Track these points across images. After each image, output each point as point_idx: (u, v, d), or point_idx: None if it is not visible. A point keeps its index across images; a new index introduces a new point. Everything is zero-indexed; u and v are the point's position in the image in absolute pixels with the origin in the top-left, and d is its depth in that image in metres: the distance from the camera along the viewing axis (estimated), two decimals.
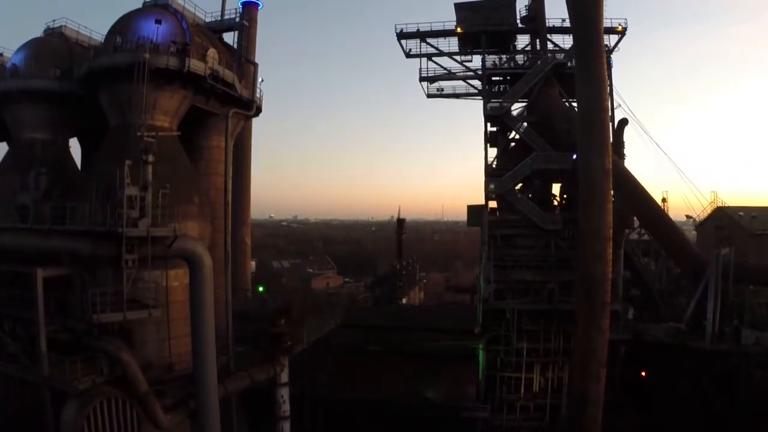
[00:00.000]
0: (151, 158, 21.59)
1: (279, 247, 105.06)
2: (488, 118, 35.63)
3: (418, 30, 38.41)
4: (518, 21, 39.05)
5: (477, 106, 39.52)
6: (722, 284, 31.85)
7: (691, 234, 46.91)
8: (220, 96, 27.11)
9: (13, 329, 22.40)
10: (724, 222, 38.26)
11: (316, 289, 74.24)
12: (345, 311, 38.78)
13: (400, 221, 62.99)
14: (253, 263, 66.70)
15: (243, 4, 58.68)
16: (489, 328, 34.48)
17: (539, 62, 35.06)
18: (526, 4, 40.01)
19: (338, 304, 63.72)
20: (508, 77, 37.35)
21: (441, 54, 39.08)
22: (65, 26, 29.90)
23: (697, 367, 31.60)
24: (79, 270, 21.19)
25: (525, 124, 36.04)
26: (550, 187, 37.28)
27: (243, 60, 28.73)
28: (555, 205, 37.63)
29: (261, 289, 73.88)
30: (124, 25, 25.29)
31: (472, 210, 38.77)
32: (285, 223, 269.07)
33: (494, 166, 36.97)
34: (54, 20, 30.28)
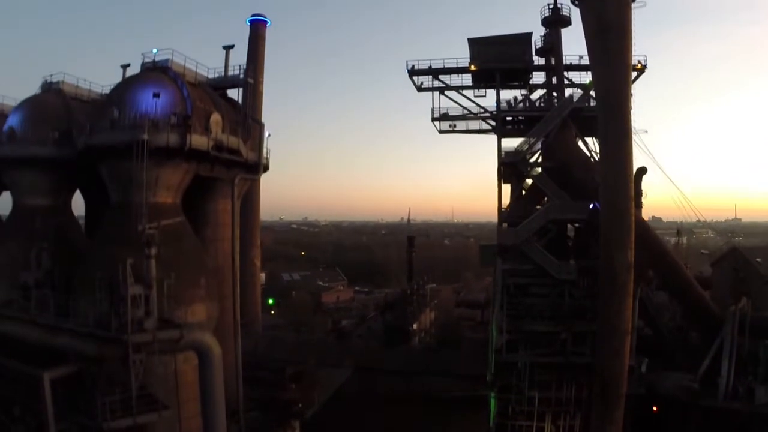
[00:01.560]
0: (153, 251, 21.13)
1: (289, 255, 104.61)
2: (503, 164, 34.52)
3: (430, 67, 36.94)
4: (534, 52, 37.35)
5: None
6: (738, 339, 31.00)
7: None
8: (225, 161, 26.27)
9: (22, 415, 22.33)
10: (741, 264, 37.19)
11: (326, 302, 74.05)
12: (356, 355, 38.39)
13: (411, 239, 62.06)
14: (263, 275, 66.54)
15: (251, 21, 57.23)
16: (500, 376, 33.97)
17: (556, 105, 33.65)
18: (542, 35, 38.28)
19: (347, 317, 63.77)
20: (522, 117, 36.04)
21: (453, 88, 37.63)
22: (63, 81, 29.02)
23: (709, 423, 31.04)
24: (86, 365, 20.96)
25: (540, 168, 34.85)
26: (566, 232, 36.24)
27: (249, 120, 27.73)
28: (570, 246, 36.62)
29: (270, 301, 74.15)
30: (121, 95, 24.38)
31: (485, 249, 38.07)
32: (295, 226, 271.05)
33: (508, 208, 35.97)
34: (51, 75, 29.41)
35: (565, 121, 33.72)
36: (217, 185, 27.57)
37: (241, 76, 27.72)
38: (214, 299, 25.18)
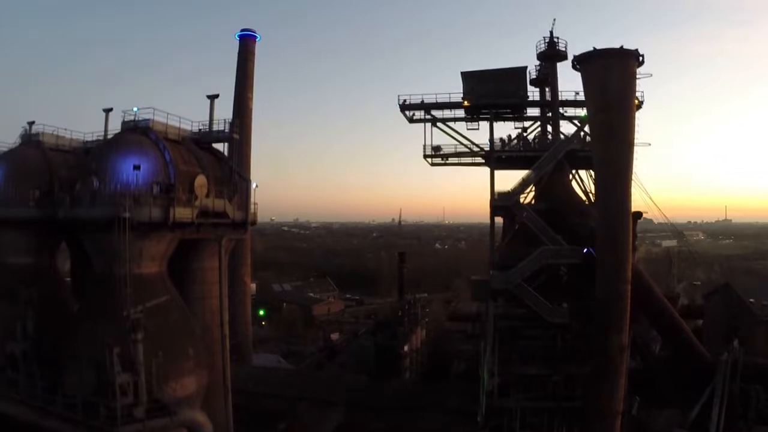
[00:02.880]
0: (140, 336, 20.85)
1: (280, 262, 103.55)
2: (496, 207, 33.96)
3: (422, 102, 35.96)
4: (528, 83, 36.39)
5: None
6: (729, 384, 31.08)
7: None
8: (211, 223, 25.56)
9: None
10: (733, 301, 37.11)
11: (317, 315, 73.87)
12: (347, 391, 38.24)
13: (402, 255, 61.53)
14: (253, 285, 66.04)
15: (240, 36, 55.35)
16: (492, 418, 33.96)
17: (551, 148, 32.78)
18: (536, 65, 37.26)
19: (338, 330, 63.65)
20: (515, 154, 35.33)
21: (445, 120, 36.75)
22: (42, 133, 28.02)
23: None
24: None
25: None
26: (558, 271, 35.80)
27: (235, 176, 26.92)
28: (562, 284, 36.22)
29: (261, 312, 73.88)
30: (101, 163, 23.45)
31: (477, 285, 37.69)
32: (286, 228, 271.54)
33: (501, 243, 35.54)
34: (32, 122, 28.41)
35: (560, 162, 33.06)
36: (204, 244, 26.85)
37: (226, 130, 26.85)
38: (204, 367, 24.73)
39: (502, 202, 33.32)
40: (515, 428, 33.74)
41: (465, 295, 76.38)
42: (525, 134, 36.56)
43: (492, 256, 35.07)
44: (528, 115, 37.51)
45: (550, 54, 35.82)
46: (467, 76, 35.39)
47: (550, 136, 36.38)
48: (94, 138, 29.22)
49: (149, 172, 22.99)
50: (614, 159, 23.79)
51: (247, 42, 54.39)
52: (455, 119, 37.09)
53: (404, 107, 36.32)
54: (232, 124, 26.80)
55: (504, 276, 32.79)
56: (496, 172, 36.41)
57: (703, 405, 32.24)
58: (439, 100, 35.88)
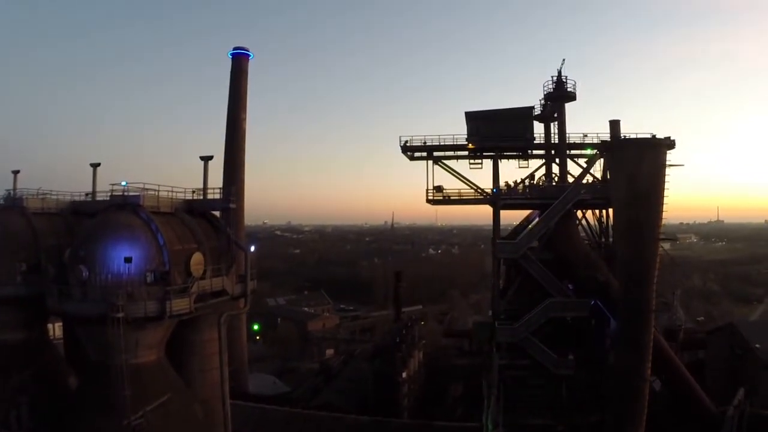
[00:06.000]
0: None
1: (274, 270, 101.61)
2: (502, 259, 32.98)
3: (424, 143, 34.57)
4: (533, 121, 35.08)
5: None
6: None
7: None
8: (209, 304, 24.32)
9: None
10: (737, 342, 36.80)
11: (313, 331, 73.03)
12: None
13: (398, 274, 60.46)
14: None
15: (233, 54, 52.68)
16: None
17: (560, 198, 31.60)
18: (541, 99, 35.75)
19: (333, 346, 63.08)
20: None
21: (447, 159, 35.47)
22: (26, 198, 26.27)
23: None
24: None
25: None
26: (565, 320, 35.11)
27: (233, 246, 25.59)
28: (567, 330, 35.59)
29: (256, 327, 72.95)
30: (90, 250, 21.81)
31: (480, 327, 37.10)
32: (279, 232, 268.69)
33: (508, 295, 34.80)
34: (18, 170, 26.84)
35: (568, 211, 32.08)
36: (202, 318, 25.65)
37: (220, 198, 25.44)
38: None
39: (508, 254, 32.38)
40: None
41: (459, 306, 76.27)
42: (531, 181, 35.36)
43: (496, 304, 34.18)
44: (534, 153, 36.36)
45: (558, 95, 34.43)
46: (471, 117, 34.03)
47: (555, 178, 35.31)
48: (82, 197, 27.75)
49: (142, 260, 21.52)
50: (639, 258, 22.74)
51: (240, 60, 51.87)
52: (458, 157, 35.85)
53: (406, 149, 34.96)
54: (228, 193, 25.34)
55: (510, 330, 32.15)
56: None
57: None
58: (442, 142, 34.56)
